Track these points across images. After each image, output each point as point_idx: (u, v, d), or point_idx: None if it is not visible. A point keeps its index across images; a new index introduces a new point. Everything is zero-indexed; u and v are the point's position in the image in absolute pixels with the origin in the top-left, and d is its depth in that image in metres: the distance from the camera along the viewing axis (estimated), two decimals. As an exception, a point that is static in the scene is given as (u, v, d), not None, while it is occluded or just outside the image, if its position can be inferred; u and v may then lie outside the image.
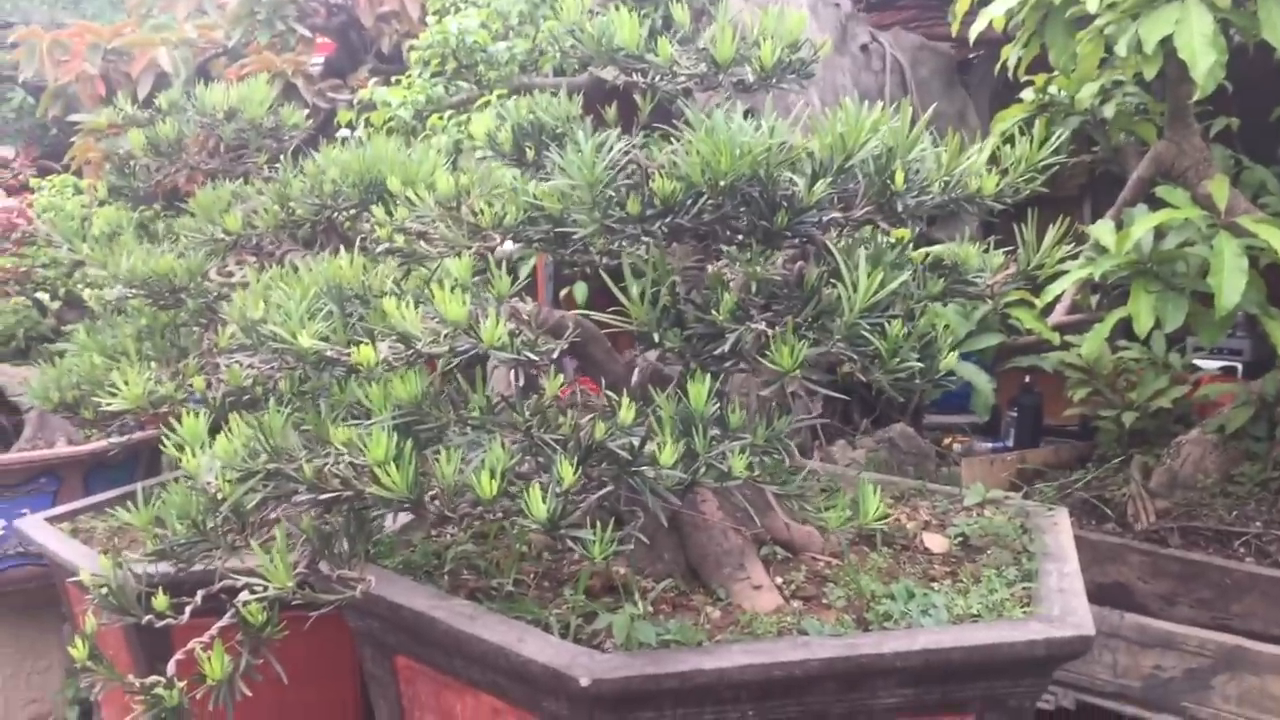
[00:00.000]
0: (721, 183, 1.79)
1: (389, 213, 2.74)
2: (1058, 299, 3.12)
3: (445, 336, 1.68)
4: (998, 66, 3.25)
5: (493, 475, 1.53)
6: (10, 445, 4.37)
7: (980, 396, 3.37)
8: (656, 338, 1.85)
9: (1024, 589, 2.01)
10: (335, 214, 2.87)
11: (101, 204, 5.20)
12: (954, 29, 3.32)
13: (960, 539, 2.29)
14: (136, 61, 4.90)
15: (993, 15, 3.03)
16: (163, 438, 1.88)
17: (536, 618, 1.97)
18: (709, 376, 1.68)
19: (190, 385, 2.50)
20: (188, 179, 3.84)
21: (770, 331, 1.80)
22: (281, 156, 3.09)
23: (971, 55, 4.82)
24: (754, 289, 1.88)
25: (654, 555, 2.16)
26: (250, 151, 3.11)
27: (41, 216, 5.06)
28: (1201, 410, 3.45)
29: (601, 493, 1.56)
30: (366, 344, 1.68)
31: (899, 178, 1.83)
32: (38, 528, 2.98)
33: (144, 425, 3.66)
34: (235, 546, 1.90)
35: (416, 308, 1.76)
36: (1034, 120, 3.46)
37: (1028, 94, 3.51)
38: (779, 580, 2.13)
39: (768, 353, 1.75)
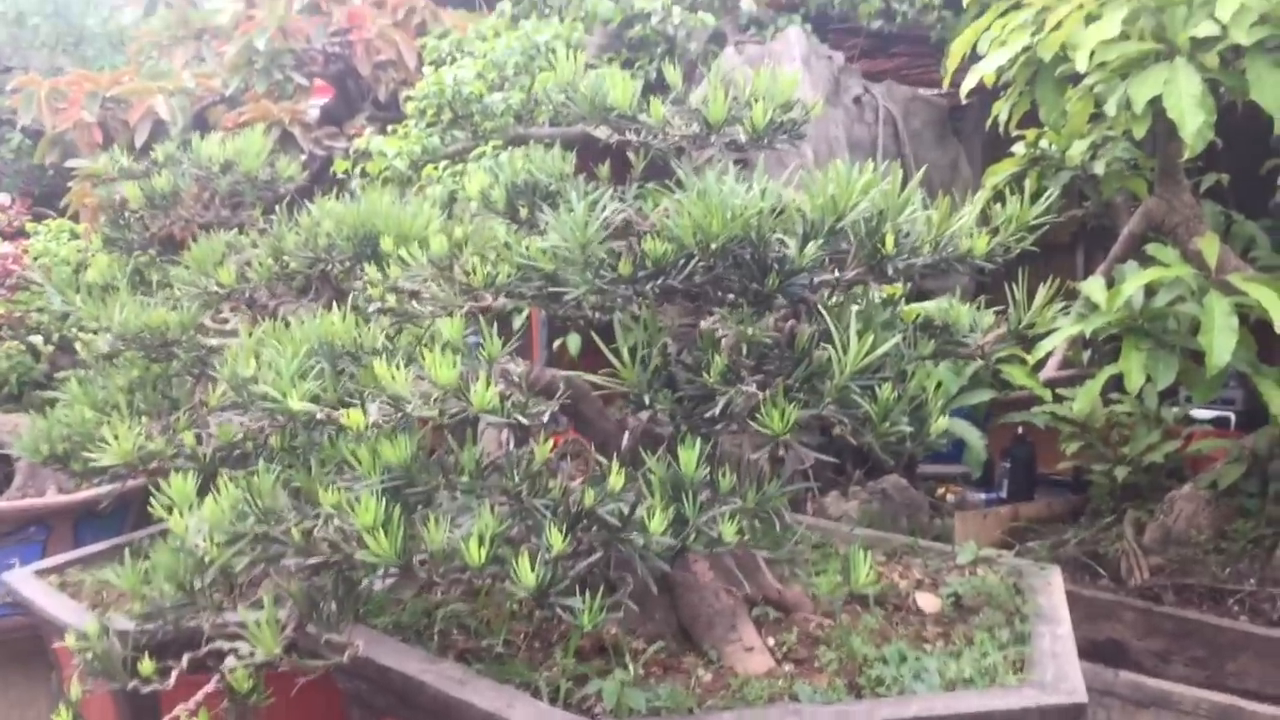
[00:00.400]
0: (713, 245, 1.79)
1: (382, 270, 2.75)
2: (1049, 355, 3.12)
3: (435, 399, 1.68)
4: (989, 121, 3.27)
5: (481, 541, 1.52)
6: (0, 493, 4.35)
7: (972, 453, 3.36)
8: (647, 400, 1.85)
9: (1017, 652, 1.99)
10: (329, 267, 2.88)
11: (96, 253, 5.23)
12: (945, 83, 3.35)
13: (953, 599, 2.28)
14: (134, 109, 4.93)
15: (983, 72, 3.06)
16: (151, 496, 1.87)
17: (527, 681, 1.95)
18: (700, 439, 1.68)
19: (180, 440, 2.49)
20: (184, 228, 3.85)
21: (761, 394, 1.80)
22: (277, 207, 3.10)
23: (964, 104, 4.87)
24: (745, 350, 1.88)
25: (645, 615, 2.15)
26: (246, 203, 3.12)
27: (36, 262, 5.07)
28: (1194, 464, 3.45)
29: (590, 560, 1.55)
30: (356, 407, 1.67)
31: (889, 241, 1.84)
32: (25, 582, 2.96)
33: (135, 474, 3.65)
34: (222, 608, 1.89)
35: (407, 367, 1.76)
36: (1025, 174, 3.48)
37: (1019, 148, 3.53)
38: (771, 641, 2.11)
39: (758, 415, 1.75)
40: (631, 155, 2.36)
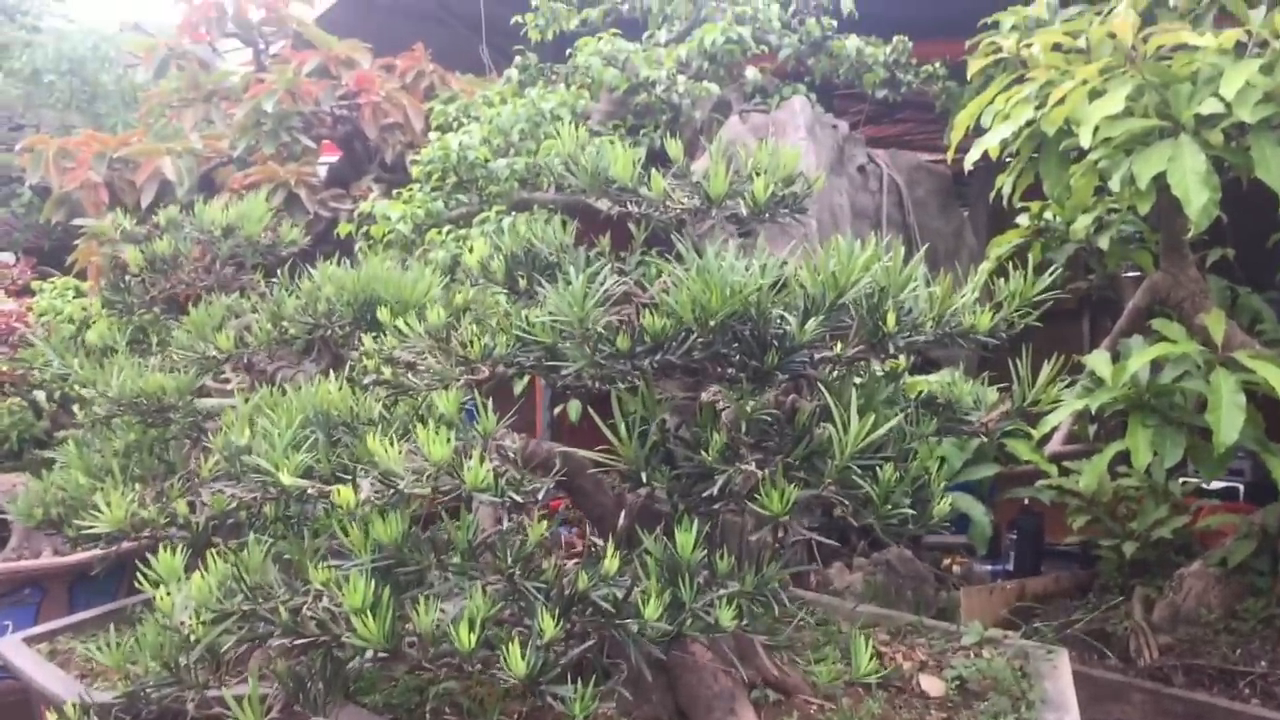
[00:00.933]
0: (712, 321, 1.77)
1: (379, 339, 2.73)
2: (1054, 430, 3.09)
3: (428, 476, 1.65)
4: (993, 193, 3.27)
5: (472, 626, 1.48)
6: (-4, 554, 4.31)
7: (977, 528, 3.32)
8: (644, 477, 1.82)
9: (1023, 742, 1.94)
10: (328, 332, 2.86)
11: (100, 312, 5.23)
12: (949, 155, 3.35)
13: (957, 682, 2.22)
14: (141, 170, 4.95)
15: (988, 145, 3.06)
16: (144, 561, 1.84)
17: (520, 765, 1.90)
18: (698, 519, 1.65)
19: (173, 509, 2.45)
20: (186, 290, 3.85)
21: (760, 473, 1.77)
22: (278, 271, 3.10)
23: (969, 172, 4.89)
24: (744, 427, 1.85)
25: (642, 697, 2.09)
26: (247, 266, 3.12)
27: (40, 320, 5.07)
28: (1204, 539, 3.40)
29: (583, 647, 1.51)
30: (347, 484, 1.64)
31: (890, 319, 1.82)
32: (15, 650, 2.91)
33: (129, 540, 3.61)
34: (207, 686, 1.84)
35: (402, 441, 1.73)
36: (1030, 245, 3.47)
37: (1024, 219, 3.53)
38: (769, 725, 2.06)
39: (758, 495, 1.72)
40: (633, 226, 2.35)
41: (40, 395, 5.24)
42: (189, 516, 2.44)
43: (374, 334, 2.89)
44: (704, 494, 1.76)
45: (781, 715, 2.09)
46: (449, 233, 3.89)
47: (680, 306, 1.77)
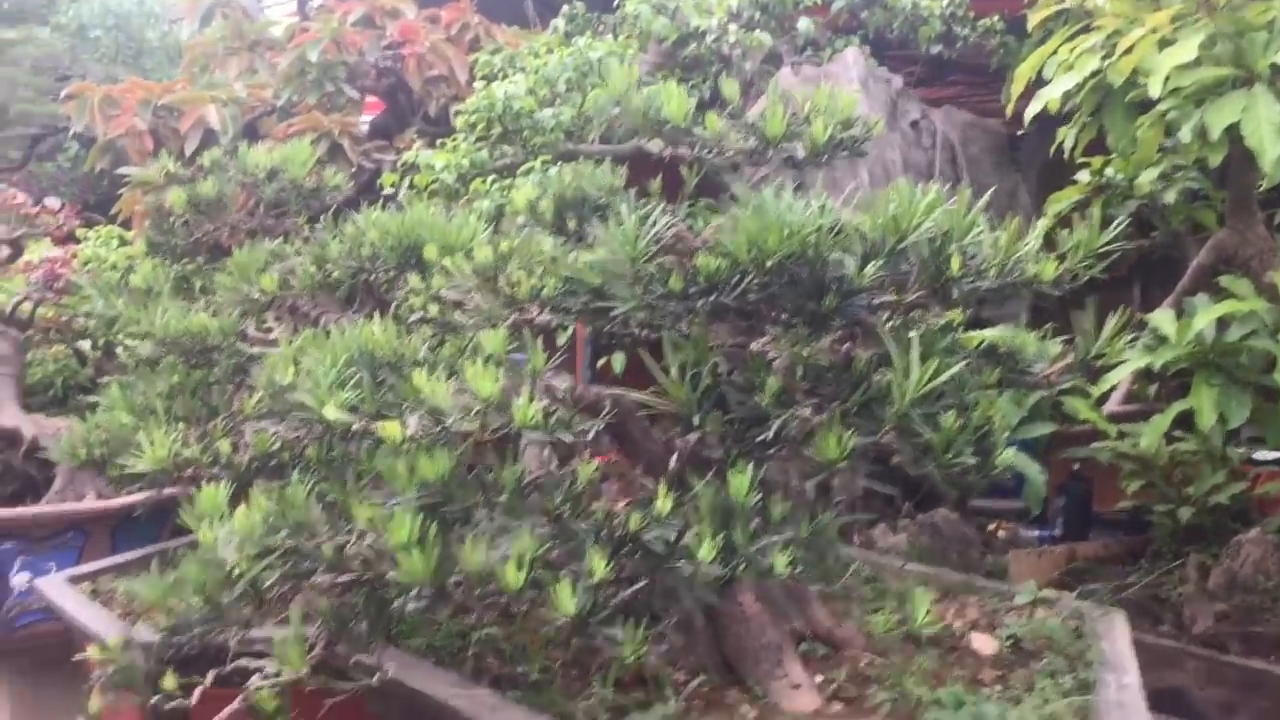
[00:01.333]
0: (769, 262, 1.72)
1: (424, 280, 2.69)
2: (1113, 389, 3.00)
3: (476, 413, 1.61)
4: (1053, 147, 3.17)
5: (520, 565, 1.44)
6: (40, 497, 4.34)
7: (1032, 488, 3.24)
8: (696, 421, 1.77)
9: (1081, 701, 1.88)
10: (372, 276, 2.83)
11: (143, 259, 5.24)
12: (1008, 110, 3.26)
13: (1011, 641, 2.16)
14: (185, 118, 4.93)
15: (1049, 97, 2.97)
16: (182, 506, 1.81)
17: (562, 711, 1.87)
18: (751, 464, 1.60)
19: (216, 449, 2.44)
20: (229, 235, 3.83)
21: (816, 419, 1.71)
22: (322, 217, 3.07)
23: (1021, 133, 4.77)
24: (799, 372, 1.79)
25: (688, 647, 2.06)
26: (290, 212, 3.08)
27: (85, 267, 5.07)
28: (1261, 507, 3.30)
29: (633, 589, 1.46)
30: (394, 419, 1.61)
31: (955, 263, 1.75)
32: (57, 589, 2.92)
33: (171, 482, 3.62)
34: (250, 624, 1.82)
35: (449, 379, 1.69)
36: (1089, 202, 3.37)
37: (1083, 176, 3.42)
38: (819, 679, 2.01)
39: (813, 441, 1.67)
40: (684, 171, 2.29)
41: (84, 344, 5.28)
42: (232, 456, 2.42)
43: (420, 275, 2.86)
44: (758, 439, 1.71)
45: (831, 669, 2.04)
46: (493, 182, 3.84)
47: (736, 247, 1.72)
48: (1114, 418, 3.10)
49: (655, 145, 2.23)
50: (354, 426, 1.70)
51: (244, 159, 3.01)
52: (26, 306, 4.83)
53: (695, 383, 1.81)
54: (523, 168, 3.86)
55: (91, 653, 1.72)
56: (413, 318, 2.04)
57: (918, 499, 3.94)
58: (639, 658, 1.41)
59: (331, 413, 1.71)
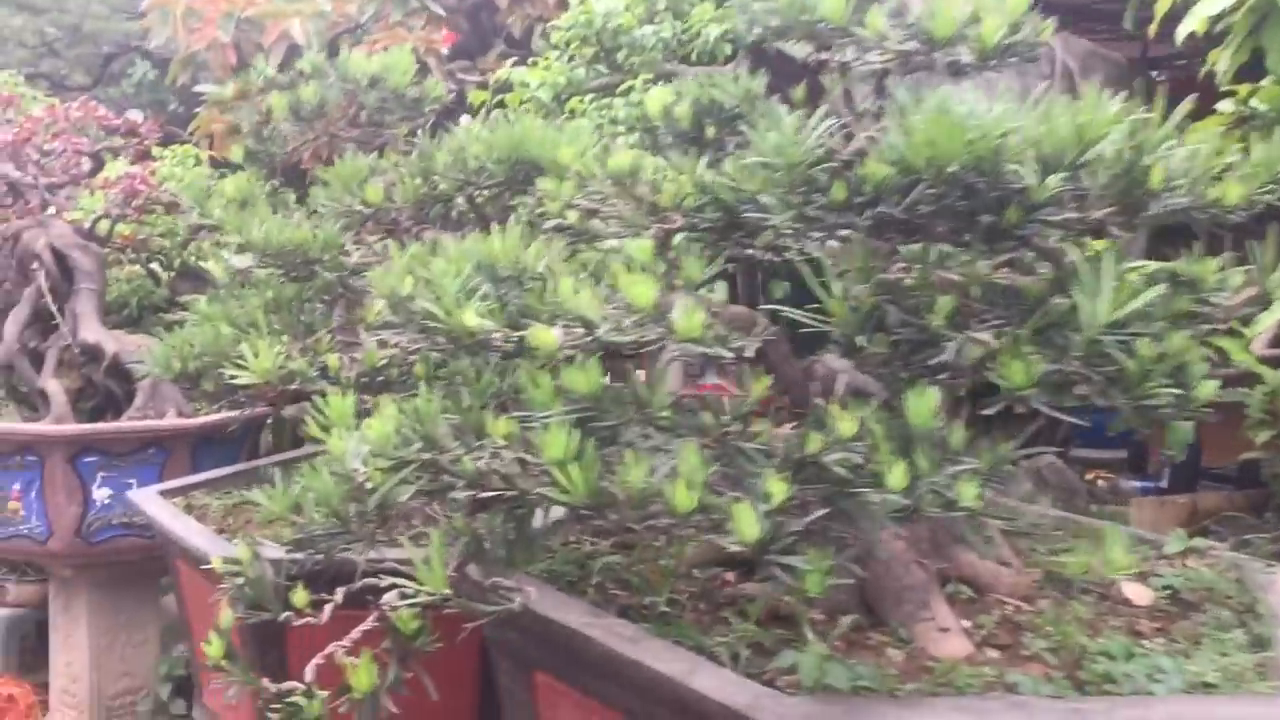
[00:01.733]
0: (948, 169, 1.57)
1: (531, 195, 2.57)
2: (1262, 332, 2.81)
3: (632, 324, 1.49)
4: (1203, 71, 2.96)
5: (690, 486, 1.32)
6: (120, 413, 4.30)
7: (1178, 432, 3.06)
8: (861, 342, 1.63)
9: (1260, 657, 1.74)
10: (477, 192, 2.71)
11: (221, 179, 5.15)
12: (1152, 30, 3.05)
13: (1168, 591, 2.03)
14: (269, 32, 4.82)
15: (1202, 15, 2.76)
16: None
17: (698, 645, 1.76)
18: (926, 389, 1.47)
19: (323, 362, 2.35)
20: (311, 155, 3.72)
21: (995, 343, 1.57)
22: (418, 131, 2.95)
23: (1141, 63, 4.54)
24: (972, 293, 1.65)
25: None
26: (391, 122, 2.96)
27: (164, 185, 5.00)
28: (1402, 463, 3.12)
29: (815, 515, 1.34)
30: (542, 326, 1.49)
31: (1157, 175, 1.59)
32: (151, 501, 2.86)
33: (271, 400, 3.56)
34: (377, 540, 1.73)
35: (597, 287, 1.58)
36: (1231, 134, 3.16)
37: (1226, 105, 3.20)
38: (966, 623, 1.89)
39: (992, 367, 1.53)
40: (826, 80, 2.13)
41: (158, 265, 5.23)
42: (340, 370, 2.33)
43: (527, 190, 2.73)
44: (930, 362, 1.58)
45: (977, 613, 1.92)
46: (592, 102, 3.69)
47: (912, 153, 1.57)
48: (1267, 361, 2.91)
49: (801, 49, 2.08)
50: (493, 336, 1.59)
51: (345, 65, 2.89)
52: (105, 224, 4.77)
53: (857, 303, 1.68)
54: (622, 86, 3.70)
55: (216, 564, 1.64)
56: (547, 225, 1.91)
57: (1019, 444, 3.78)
58: (823, 592, 1.29)
59: (471, 320, 1.59)
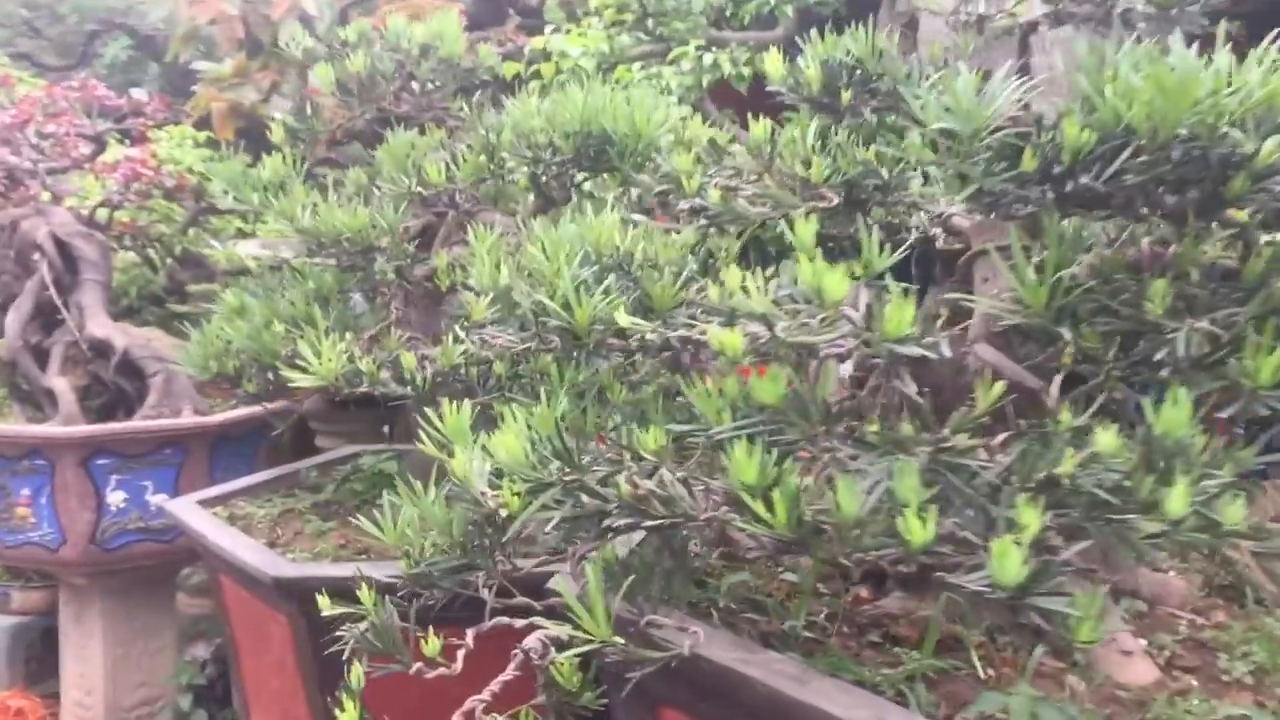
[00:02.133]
0: (1168, 134, 1.35)
1: (617, 171, 2.36)
2: None
3: (823, 320, 1.27)
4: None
5: (919, 514, 1.11)
6: (131, 411, 4.04)
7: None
8: (1065, 334, 1.42)
9: None
10: (544, 170, 2.49)
11: (221, 157, 4.88)
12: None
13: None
14: (278, 4, 4.55)
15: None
16: (422, 431, 1.49)
17: (859, 679, 1.56)
18: (1178, 393, 1.25)
19: (398, 360, 2.12)
20: (335, 133, 3.48)
21: (1222, 334, 1.36)
22: (467, 104, 2.72)
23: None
24: (1190, 277, 1.44)
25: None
26: (443, 96, 2.72)
27: (163, 168, 4.72)
28: None
29: (1079, 547, 1.13)
30: (724, 326, 1.27)
31: None
32: (192, 513, 2.63)
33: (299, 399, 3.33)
34: (501, 570, 1.52)
35: (768, 283, 1.36)
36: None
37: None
38: (1142, 642, 1.70)
39: (1229, 363, 1.33)
40: (960, 38, 1.92)
41: (153, 253, 4.97)
42: (415, 372, 2.11)
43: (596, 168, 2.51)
44: (1154, 357, 1.37)
45: (1152, 630, 1.73)
46: (640, 69, 3.46)
47: (1137, 113, 1.35)
48: None
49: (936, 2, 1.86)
50: (670, 336, 1.37)
51: (394, 32, 2.64)
52: (104, 211, 4.51)
53: (1054, 289, 1.46)
54: (673, 53, 3.46)
55: (323, 605, 1.42)
56: (682, 207, 1.69)
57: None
58: (1093, 642, 1.08)
59: (623, 319, 1.37)
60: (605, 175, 2.46)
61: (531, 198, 2.50)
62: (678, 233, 1.81)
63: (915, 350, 1.21)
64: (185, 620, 4.44)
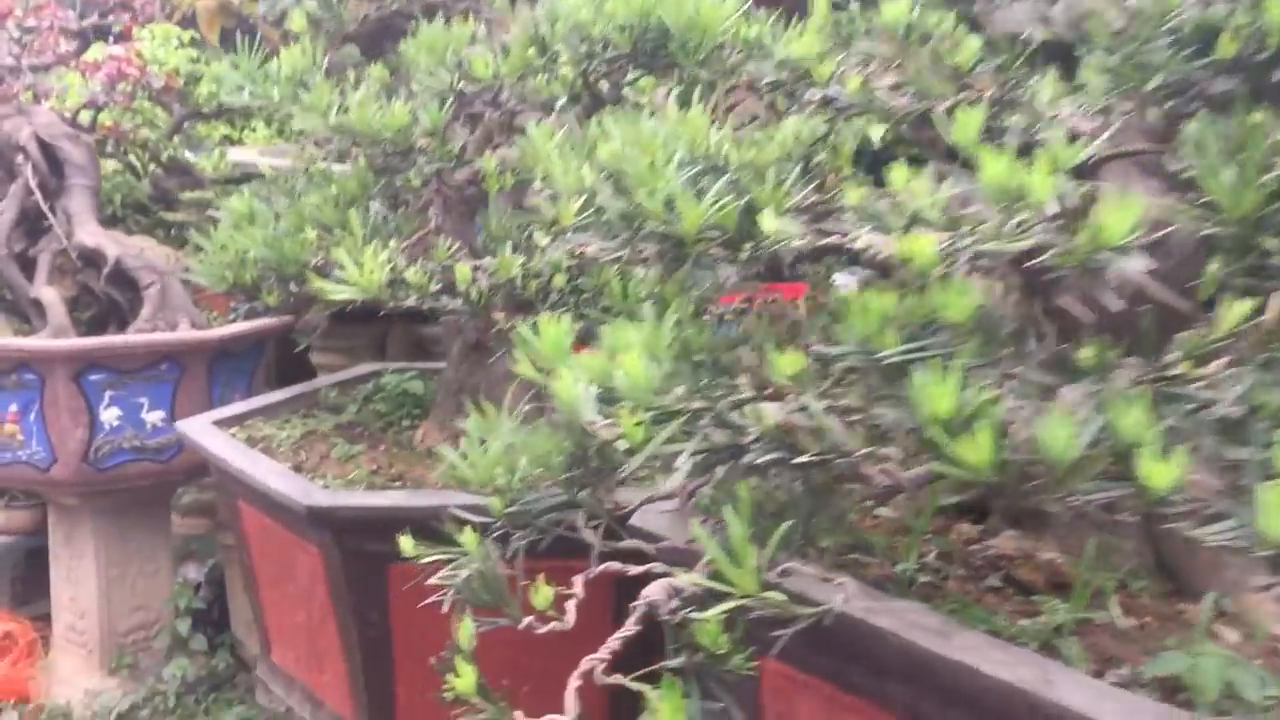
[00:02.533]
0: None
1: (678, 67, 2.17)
2: None
3: (1021, 226, 1.07)
4: None
5: (1160, 450, 0.93)
6: (124, 324, 3.81)
7: None
8: (1269, 243, 1.23)
9: None
10: (594, 67, 2.27)
11: (211, 62, 4.58)
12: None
13: None
14: (275, -112, 4.22)
15: None
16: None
17: (993, 629, 1.40)
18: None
19: (452, 272, 1.92)
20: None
21: None
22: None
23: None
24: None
25: (1110, 541, 1.59)
26: (478, -18, 2.48)
27: (148, 68, 4.42)
28: None
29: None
30: (909, 233, 1.07)
31: None
32: (209, 435, 2.43)
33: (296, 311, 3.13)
34: (606, 509, 1.33)
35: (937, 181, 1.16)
36: None
37: None
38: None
39: None
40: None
41: (134, 159, 4.69)
42: (469, 285, 1.91)
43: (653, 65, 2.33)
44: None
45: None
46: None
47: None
48: None
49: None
50: (799, 240, 1.17)
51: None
52: (88, 114, 4.22)
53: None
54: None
55: (406, 548, 1.23)
56: (838, 105, 1.48)
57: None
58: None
59: (769, 223, 1.17)
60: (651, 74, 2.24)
61: (574, 97, 2.27)
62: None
63: (1138, 263, 1.02)
64: (176, 540, 4.26)
